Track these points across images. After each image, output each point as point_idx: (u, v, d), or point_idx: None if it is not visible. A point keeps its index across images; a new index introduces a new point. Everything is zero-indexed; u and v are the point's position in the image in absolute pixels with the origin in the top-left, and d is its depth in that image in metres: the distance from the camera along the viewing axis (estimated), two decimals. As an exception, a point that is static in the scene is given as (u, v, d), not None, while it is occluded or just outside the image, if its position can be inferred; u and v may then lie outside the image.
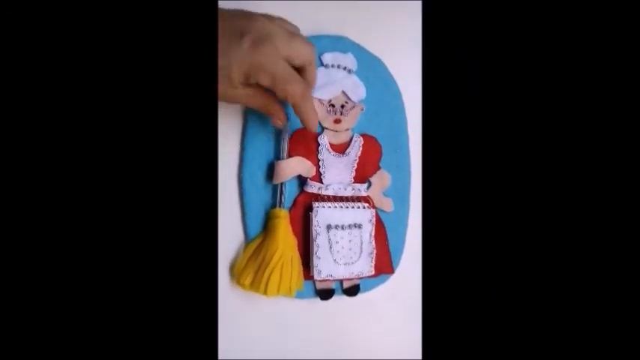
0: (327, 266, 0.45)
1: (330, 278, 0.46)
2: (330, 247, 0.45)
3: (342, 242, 0.46)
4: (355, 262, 0.46)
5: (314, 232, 0.45)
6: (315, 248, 0.45)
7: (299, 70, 0.39)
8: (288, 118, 0.43)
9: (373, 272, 0.47)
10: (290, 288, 0.44)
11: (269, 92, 0.39)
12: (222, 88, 0.36)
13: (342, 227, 0.46)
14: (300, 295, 0.46)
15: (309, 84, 0.40)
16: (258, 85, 0.37)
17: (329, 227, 0.45)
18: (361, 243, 0.46)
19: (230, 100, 0.39)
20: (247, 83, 0.37)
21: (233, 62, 0.35)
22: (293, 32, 0.38)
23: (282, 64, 0.37)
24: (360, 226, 0.46)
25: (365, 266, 0.47)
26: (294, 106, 0.39)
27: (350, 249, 0.46)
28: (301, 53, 0.38)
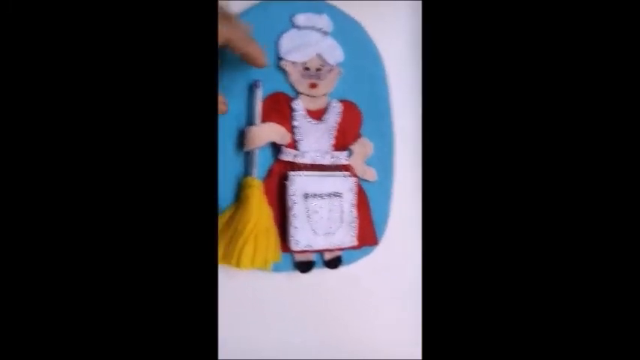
0: (306, 236, 0.43)
1: (310, 249, 0.43)
2: (309, 217, 0.43)
3: (322, 212, 0.43)
4: (335, 231, 0.44)
5: (290, 201, 0.42)
6: (291, 218, 0.42)
7: None
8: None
9: (355, 243, 0.45)
10: (265, 260, 0.41)
11: None
12: None
13: (321, 196, 0.43)
14: (277, 268, 0.43)
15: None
16: None
17: (306, 196, 0.43)
18: (342, 212, 0.44)
19: None
20: None
21: None
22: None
23: None
24: (340, 195, 0.44)
25: (346, 236, 0.44)
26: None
27: (329, 218, 0.43)
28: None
